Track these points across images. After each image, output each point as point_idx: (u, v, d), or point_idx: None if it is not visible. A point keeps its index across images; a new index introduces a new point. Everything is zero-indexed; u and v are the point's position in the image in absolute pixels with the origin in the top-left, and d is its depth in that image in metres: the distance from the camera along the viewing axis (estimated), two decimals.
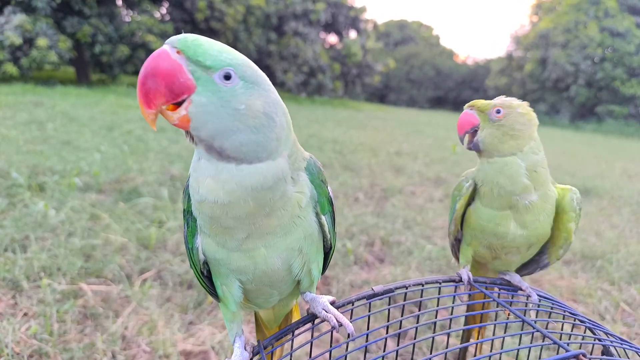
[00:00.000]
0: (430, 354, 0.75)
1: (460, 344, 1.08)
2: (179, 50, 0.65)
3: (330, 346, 0.79)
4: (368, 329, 0.84)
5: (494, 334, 0.98)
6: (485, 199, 1.05)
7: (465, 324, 1.22)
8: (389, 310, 0.87)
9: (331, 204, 0.86)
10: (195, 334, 2.44)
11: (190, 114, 0.66)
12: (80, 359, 2.11)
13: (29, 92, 12.74)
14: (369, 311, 0.86)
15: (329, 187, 0.86)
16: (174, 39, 0.66)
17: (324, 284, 3.20)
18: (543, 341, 0.77)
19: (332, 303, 0.91)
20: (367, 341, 0.82)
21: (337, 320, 0.84)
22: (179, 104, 0.66)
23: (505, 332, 0.98)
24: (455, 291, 1.04)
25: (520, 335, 0.85)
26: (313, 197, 0.81)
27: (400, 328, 0.85)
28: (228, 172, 0.70)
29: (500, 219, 1.03)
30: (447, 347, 0.85)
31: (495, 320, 0.94)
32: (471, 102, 1.08)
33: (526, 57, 41.05)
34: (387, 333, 0.84)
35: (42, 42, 15.68)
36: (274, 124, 0.71)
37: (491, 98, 1.12)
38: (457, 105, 52.45)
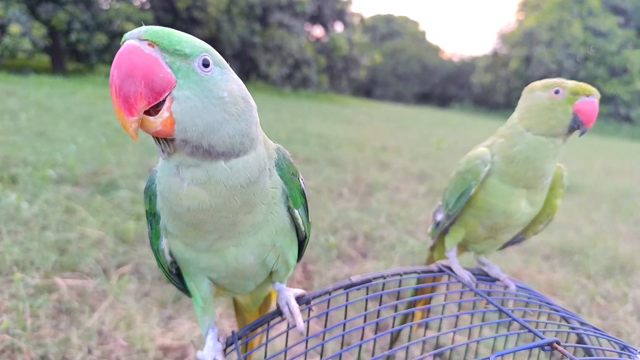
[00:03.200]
0: (409, 341, 0.74)
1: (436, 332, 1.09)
2: (151, 42, 0.57)
3: (307, 335, 0.77)
4: (345, 318, 0.83)
5: (470, 323, 0.98)
6: (509, 177, 1.01)
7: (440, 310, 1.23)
8: (366, 300, 0.85)
9: (304, 195, 0.82)
10: (174, 328, 2.41)
11: (175, 113, 0.58)
12: (54, 354, 2.06)
13: (1, 81, 12.36)
14: (347, 301, 0.85)
15: (300, 178, 0.82)
16: (138, 31, 0.58)
17: (306, 278, 3.20)
18: (520, 329, 0.77)
19: (302, 296, 0.89)
20: (344, 330, 0.80)
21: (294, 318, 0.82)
22: (154, 108, 0.58)
23: (482, 322, 0.98)
24: (433, 282, 1.03)
25: (498, 324, 0.85)
26: (284, 192, 0.77)
27: (378, 317, 0.84)
28: (220, 172, 0.64)
29: (514, 196, 1.02)
30: (424, 336, 0.84)
31: (473, 309, 0.94)
32: (590, 89, 0.98)
33: (511, 55, 41.71)
34: (365, 322, 0.83)
35: (14, 28, 15.15)
36: (251, 108, 0.67)
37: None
38: (442, 101, 53.04)
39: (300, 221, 0.80)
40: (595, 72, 34.52)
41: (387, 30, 60.43)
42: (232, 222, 0.69)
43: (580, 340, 1.05)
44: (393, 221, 4.58)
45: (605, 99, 34.89)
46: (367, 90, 54.83)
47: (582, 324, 0.97)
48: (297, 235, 0.86)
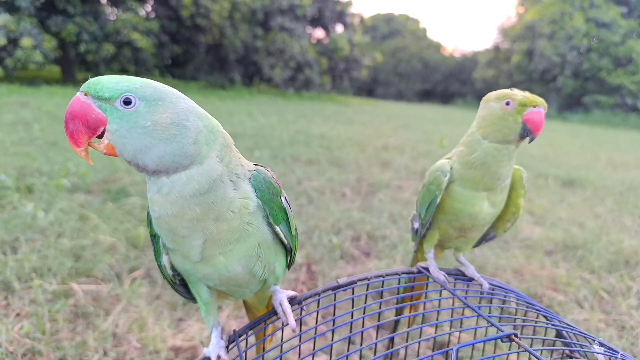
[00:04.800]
0: (392, 330, 0.84)
1: (409, 325, 1.19)
2: (86, 93, 0.75)
3: (300, 330, 0.88)
4: (334, 315, 0.94)
5: (452, 317, 1.08)
6: (469, 182, 1.11)
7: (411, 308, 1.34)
8: (353, 299, 0.96)
9: (285, 212, 0.92)
10: (185, 329, 2.50)
11: (111, 141, 0.76)
12: (72, 356, 2.15)
13: (14, 93, 12.58)
14: (335, 301, 0.96)
15: (282, 197, 0.92)
16: (84, 85, 0.77)
17: (310, 278, 3.28)
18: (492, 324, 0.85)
19: (294, 297, 1.00)
20: (334, 325, 0.91)
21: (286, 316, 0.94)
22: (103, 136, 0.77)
23: (461, 316, 1.08)
24: (414, 281, 1.13)
25: (477, 319, 0.94)
26: (261, 207, 0.87)
27: (364, 313, 0.95)
28: (166, 185, 0.78)
29: (476, 199, 1.12)
30: (409, 326, 0.95)
31: (453, 306, 1.04)
32: (537, 100, 1.07)
33: (513, 49, 41.31)
34: (352, 318, 0.94)
35: (26, 41, 15.49)
36: (186, 130, 0.77)
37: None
38: (445, 98, 52.81)
39: (282, 236, 0.91)
40: (600, 63, 34.03)
41: (387, 29, 60.20)
42: (205, 228, 0.81)
43: (559, 335, 1.12)
44: (395, 220, 4.64)
45: (610, 90, 34.36)
46: (369, 89, 54.79)
47: (559, 321, 1.04)
48: (285, 246, 0.96)
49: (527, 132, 1.07)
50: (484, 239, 1.31)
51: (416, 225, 1.28)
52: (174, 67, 25.99)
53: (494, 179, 1.10)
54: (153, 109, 0.75)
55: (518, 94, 1.08)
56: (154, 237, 0.90)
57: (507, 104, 1.07)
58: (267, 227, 0.89)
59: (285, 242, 0.92)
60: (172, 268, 0.93)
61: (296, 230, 0.99)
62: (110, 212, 4.00)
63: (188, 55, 25.45)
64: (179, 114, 0.77)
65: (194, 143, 0.77)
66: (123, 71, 20.55)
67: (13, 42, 15.82)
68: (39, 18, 17.04)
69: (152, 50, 20.49)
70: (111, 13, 20.89)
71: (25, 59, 15.65)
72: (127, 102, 0.74)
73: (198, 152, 0.78)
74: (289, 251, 0.99)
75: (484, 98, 1.15)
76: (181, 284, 0.98)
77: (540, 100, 1.07)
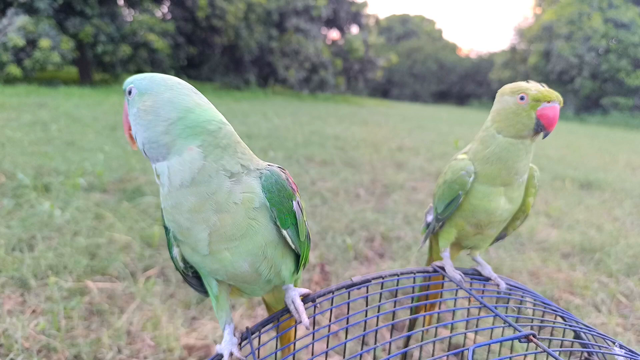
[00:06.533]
0: (408, 331, 0.81)
1: (424, 325, 1.16)
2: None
3: (313, 328, 0.86)
4: (348, 313, 0.91)
5: (468, 316, 1.04)
6: (486, 177, 1.09)
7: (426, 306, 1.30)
8: (367, 297, 0.93)
9: (295, 217, 0.88)
10: (198, 328, 2.51)
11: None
12: (87, 353, 2.17)
13: (32, 93, 12.88)
14: (349, 299, 0.93)
15: (295, 201, 0.88)
16: None
17: (324, 279, 3.26)
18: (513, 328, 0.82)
19: (307, 295, 0.98)
20: (347, 323, 0.89)
21: (299, 314, 0.92)
22: None
23: (478, 315, 1.05)
24: (430, 280, 1.10)
25: (494, 318, 0.91)
26: (266, 206, 0.84)
27: (378, 312, 0.92)
28: (160, 172, 0.80)
29: (493, 195, 1.10)
30: (424, 326, 0.92)
31: (469, 305, 1.01)
32: (551, 95, 1.03)
33: (530, 50, 40.90)
34: (366, 316, 0.91)
35: (44, 43, 15.86)
36: (158, 118, 0.79)
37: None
38: (460, 99, 52.38)
39: (289, 240, 0.87)
40: (618, 65, 33.37)
41: (402, 30, 60.08)
42: (206, 220, 0.79)
43: (577, 337, 1.09)
44: (410, 221, 4.60)
45: (629, 92, 33.69)
46: (384, 90, 54.68)
47: (577, 322, 1.02)
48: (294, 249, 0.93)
49: (540, 128, 1.04)
50: (496, 238, 1.27)
51: (429, 218, 1.25)
52: (190, 68, 26.30)
53: (511, 174, 1.08)
54: (142, 97, 0.81)
55: (532, 88, 1.04)
56: (165, 228, 0.90)
57: (522, 98, 1.04)
58: (275, 228, 0.86)
59: (293, 246, 0.90)
60: (184, 260, 0.92)
61: (307, 236, 0.96)
62: (126, 211, 4.04)
63: (203, 57, 25.71)
64: (157, 102, 0.80)
65: (165, 133, 0.79)
66: (139, 72, 20.88)
67: (32, 43, 16.21)
68: (57, 19, 17.44)
69: (168, 51, 20.78)
70: (128, 14, 21.29)
71: (44, 60, 16.03)
72: (129, 92, 0.83)
73: (172, 143, 0.79)
74: (299, 256, 0.96)
75: (500, 91, 1.12)
76: (194, 276, 0.98)
77: (554, 94, 1.03)
